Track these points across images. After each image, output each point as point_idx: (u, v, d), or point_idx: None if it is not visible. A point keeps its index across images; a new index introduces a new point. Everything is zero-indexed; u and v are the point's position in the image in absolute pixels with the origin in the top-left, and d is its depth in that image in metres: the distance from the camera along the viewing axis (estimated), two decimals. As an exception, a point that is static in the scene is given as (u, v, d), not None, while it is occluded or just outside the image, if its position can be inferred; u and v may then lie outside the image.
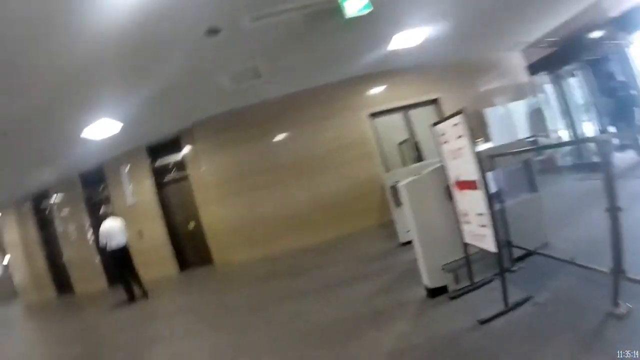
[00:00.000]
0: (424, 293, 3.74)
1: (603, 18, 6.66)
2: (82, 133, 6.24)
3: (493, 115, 8.11)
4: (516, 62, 8.85)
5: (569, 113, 7.71)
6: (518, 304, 3.03)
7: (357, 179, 7.67)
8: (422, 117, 8.10)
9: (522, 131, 8.20)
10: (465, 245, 3.47)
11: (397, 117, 8.08)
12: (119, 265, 6.84)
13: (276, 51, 5.47)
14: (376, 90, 8.03)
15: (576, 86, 7.59)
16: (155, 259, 8.31)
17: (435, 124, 3.47)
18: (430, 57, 7.42)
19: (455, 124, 3.12)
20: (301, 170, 7.71)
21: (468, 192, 3.18)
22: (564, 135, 7.79)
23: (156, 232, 8.42)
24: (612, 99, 6.61)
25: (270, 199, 7.64)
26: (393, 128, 8.03)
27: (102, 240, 6.73)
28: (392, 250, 5.70)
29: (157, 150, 8.76)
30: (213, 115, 7.77)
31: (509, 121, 8.21)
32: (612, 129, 7.22)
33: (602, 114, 7.39)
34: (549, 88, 7.94)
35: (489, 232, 3.02)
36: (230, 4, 3.94)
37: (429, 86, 8.09)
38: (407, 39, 6.12)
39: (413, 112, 8.08)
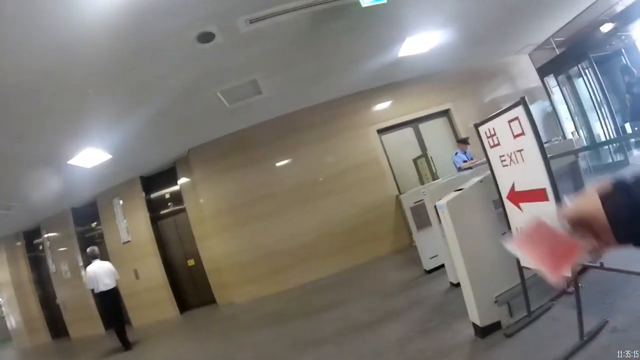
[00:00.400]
0: (471, 332, 3.06)
1: (609, 13, 6.32)
2: (69, 160, 5.64)
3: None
4: (524, 66, 8.35)
5: (583, 114, 7.24)
6: (593, 334, 2.42)
7: (368, 201, 7.00)
8: (433, 131, 7.54)
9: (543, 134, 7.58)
10: (521, 269, 2.81)
11: (407, 132, 7.51)
12: (109, 309, 6.26)
13: (277, 60, 4.90)
14: (384, 104, 7.47)
15: (587, 85, 7.15)
16: (153, 301, 7.52)
17: (480, 123, 2.85)
18: (439, 66, 6.93)
19: (512, 120, 2.50)
20: (307, 196, 7.04)
21: (530, 205, 2.55)
22: (578, 137, 7.24)
23: (153, 271, 7.62)
24: (629, 96, 6.09)
25: (274, 230, 6.93)
26: (404, 144, 7.44)
27: (90, 283, 6.11)
28: (417, 280, 4.98)
29: (152, 181, 8.12)
30: (210, 141, 7.19)
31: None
32: (629, 128, 6.79)
33: (618, 112, 6.94)
34: (560, 90, 7.46)
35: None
36: (224, 3, 3.40)
37: (439, 97, 7.56)
38: (419, 43, 5.62)
39: (423, 126, 7.52)
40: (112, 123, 4.97)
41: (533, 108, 7.71)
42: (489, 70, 8.05)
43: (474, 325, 3.01)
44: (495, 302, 2.91)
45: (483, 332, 2.93)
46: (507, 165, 2.67)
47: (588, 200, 0.67)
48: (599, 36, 6.09)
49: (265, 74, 5.19)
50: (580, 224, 0.68)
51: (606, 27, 6.10)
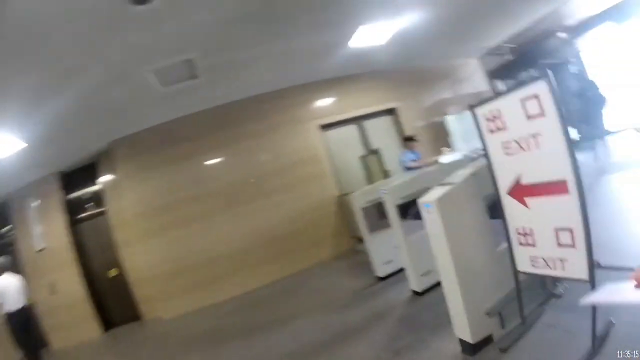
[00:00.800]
0: (455, 349, 2.62)
1: (561, 25, 6.66)
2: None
3: (454, 123, 7.54)
4: (474, 69, 8.50)
5: None
6: (601, 339, 2.10)
7: (308, 203, 6.44)
8: (379, 129, 7.23)
9: None
10: (516, 273, 2.44)
11: (351, 129, 7.10)
12: (19, 332, 5.04)
13: (219, 37, 4.16)
14: (328, 99, 6.96)
15: None
16: (72, 320, 6.07)
17: (479, 104, 2.40)
18: (388, 63, 6.66)
19: (529, 98, 2.05)
20: (241, 197, 6.25)
21: (541, 201, 2.16)
22: None
23: (71, 283, 6.17)
24: (579, 100, 6.38)
25: (206, 235, 6.03)
26: (347, 142, 7.02)
27: None
28: (372, 289, 4.49)
29: (72, 178, 6.66)
30: (136, 132, 6.07)
31: (470, 130, 7.65)
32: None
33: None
34: None
35: (578, 253, 2.00)
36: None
37: (386, 95, 7.28)
38: (373, 33, 5.22)
39: (369, 124, 7.17)
40: (27, 104, 3.89)
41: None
42: (438, 71, 7.99)
43: (462, 341, 2.57)
44: (487, 313, 2.49)
45: (474, 349, 2.49)
46: (512, 154, 2.25)
47: None
48: (549, 45, 6.28)
49: (203, 53, 4.39)
50: None
51: (557, 38, 6.34)
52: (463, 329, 2.51)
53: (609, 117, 6.74)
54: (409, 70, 7.38)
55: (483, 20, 6.10)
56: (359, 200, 4.70)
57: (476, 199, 2.57)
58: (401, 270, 4.47)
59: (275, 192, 6.34)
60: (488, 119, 2.34)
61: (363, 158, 6.46)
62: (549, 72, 1.96)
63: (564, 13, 6.56)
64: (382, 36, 5.39)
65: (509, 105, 2.19)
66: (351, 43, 5.36)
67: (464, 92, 8.19)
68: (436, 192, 2.51)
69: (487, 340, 2.53)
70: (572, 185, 1.98)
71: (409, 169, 5.72)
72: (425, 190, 3.89)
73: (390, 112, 7.36)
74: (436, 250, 2.54)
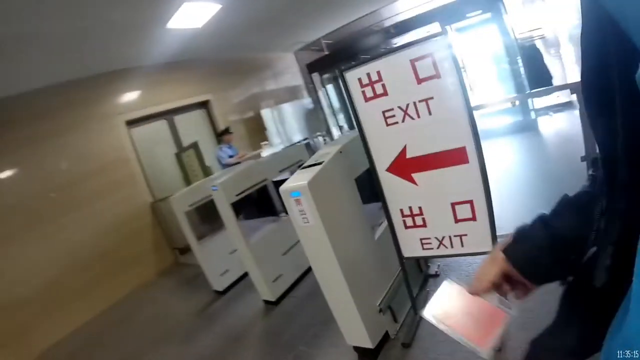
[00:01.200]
0: (352, 357, 2.24)
1: (379, 25, 7.11)
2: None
3: (270, 117, 7.28)
4: (289, 64, 8.37)
5: (346, 113, 7.81)
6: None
7: (119, 214, 5.05)
8: (190, 124, 6.30)
9: (299, 132, 7.77)
10: (402, 259, 2.22)
11: (160, 125, 5.93)
12: None
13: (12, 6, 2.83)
14: (135, 91, 5.61)
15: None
16: None
17: (351, 67, 2.00)
18: (202, 51, 5.87)
19: (420, 58, 1.77)
20: (45, 213, 4.47)
21: (433, 174, 1.94)
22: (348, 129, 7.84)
23: None
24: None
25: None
26: (156, 139, 5.83)
27: None
28: (214, 307, 3.72)
29: None
30: None
31: (286, 123, 7.60)
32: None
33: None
34: (324, 89, 7.82)
35: (479, 226, 1.89)
36: None
37: (198, 87, 6.38)
38: (194, 15, 4.41)
39: (179, 118, 6.14)
40: None
41: (296, 105, 7.92)
42: (253, 64, 7.55)
43: (358, 349, 2.19)
44: (380, 310, 2.19)
45: (374, 353, 2.15)
46: (395, 124, 1.97)
47: (494, 260, 0.67)
48: (367, 44, 6.65)
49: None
50: (498, 284, 0.66)
51: (374, 37, 6.71)
52: (357, 334, 2.14)
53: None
54: (223, 61, 6.71)
55: (303, 14, 6.00)
56: (181, 204, 3.83)
57: (348, 181, 2.22)
58: (242, 279, 3.98)
59: (81, 204, 4.76)
60: (364, 84, 1.99)
61: (179, 155, 5.44)
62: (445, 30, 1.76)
63: (382, 15, 7.17)
64: (200, 18, 4.61)
65: (393, 67, 1.88)
66: (170, 23, 4.40)
67: (279, 87, 8.06)
68: (302, 177, 1.99)
69: (384, 339, 2.23)
70: (472, 152, 1.80)
71: (227, 165, 5.17)
72: (262, 183, 3.48)
73: (203, 105, 6.54)
74: (312, 247, 2.06)
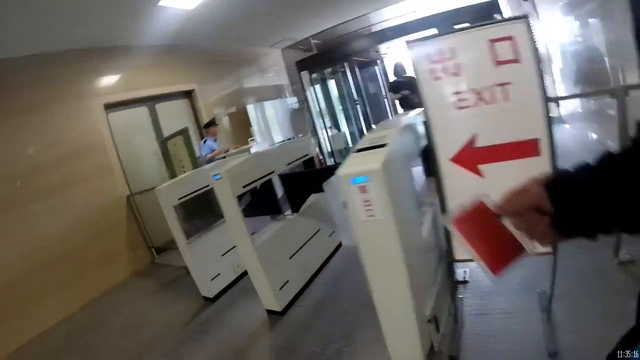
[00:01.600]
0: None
1: (367, 30, 7.17)
2: None
3: (255, 113, 6.92)
4: (276, 60, 8.10)
5: (332, 113, 7.70)
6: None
7: (93, 207, 4.48)
8: (172, 113, 5.82)
9: (283, 131, 7.47)
10: (452, 266, 1.99)
11: (141, 112, 5.41)
12: None
13: None
14: (116, 72, 5.04)
15: (342, 85, 7.58)
16: None
17: (420, 39, 1.76)
18: (190, 37, 5.46)
19: (501, 39, 1.61)
20: (3, 202, 3.82)
21: (501, 166, 1.73)
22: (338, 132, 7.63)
23: None
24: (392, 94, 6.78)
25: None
26: (135, 127, 5.33)
27: None
28: (205, 315, 3.25)
29: None
30: None
31: (269, 121, 7.27)
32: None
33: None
34: (311, 88, 7.61)
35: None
36: None
37: (184, 75, 5.91)
38: None
39: (161, 106, 5.64)
40: None
41: (282, 103, 7.62)
42: (240, 57, 7.20)
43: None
44: (429, 320, 1.92)
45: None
46: (466, 107, 1.75)
47: (528, 189, 0.62)
48: (355, 46, 6.58)
49: None
50: (520, 216, 0.62)
51: (362, 41, 6.64)
52: (408, 349, 1.85)
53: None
54: (211, 51, 6.36)
55: (295, 9, 5.82)
56: (169, 197, 3.35)
57: (407, 168, 1.96)
58: (234, 284, 3.59)
59: (52, 193, 4.17)
60: (433, 61, 1.76)
61: (164, 142, 4.91)
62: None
63: (371, 20, 7.12)
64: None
65: (469, 45, 1.70)
66: (163, 1, 4.04)
67: (264, 83, 7.76)
68: (366, 160, 1.69)
69: (430, 353, 1.96)
70: (544, 144, 1.66)
71: (210, 160, 4.84)
72: (269, 175, 3.13)
73: (187, 95, 6.07)
74: (375, 247, 1.72)
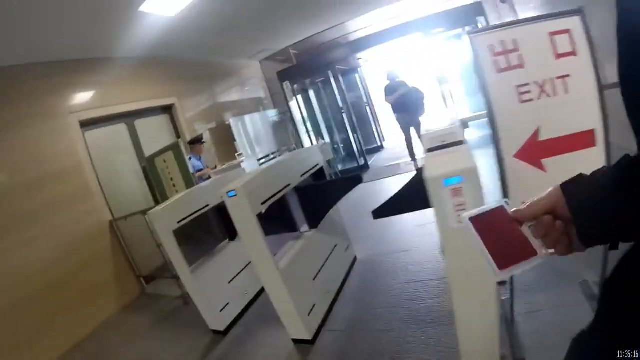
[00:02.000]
0: None
1: (345, 38, 7.14)
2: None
3: (238, 126, 6.63)
4: (255, 72, 7.89)
5: (315, 125, 7.59)
6: None
7: (74, 235, 4.02)
8: (152, 130, 5.45)
9: (267, 144, 7.23)
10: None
11: (119, 130, 5.00)
12: None
13: None
14: (92, 86, 4.63)
15: (325, 96, 7.65)
16: None
17: (484, 30, 1.66)
18: (170, 48, 5.21)
19: (559, 32, 1.62)
20: None
21: (560, 160, 1.69)
22: (324, 141, 7.46)
23: None
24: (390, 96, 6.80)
25: None
26: (113, 146, 4.92)
27: None
28: (220, 351, 2.89)
29: None
30: None
31: (254, 134, 6.99)
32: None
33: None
34: (294, 100, 7.49)
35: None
36: None
37: (163, 88, 5.58)
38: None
39: (140, 123, 5.25)
40: None
41: (264, 116, 7.40)
42: (220, 69, 6.95)
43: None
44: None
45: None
46: (529, 101, 1.67)
47: (548, 195, 0.63)
48: (337, 54, 6.49)
49: None
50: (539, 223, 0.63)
51: (341, 50, 6.64)
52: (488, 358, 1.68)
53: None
54: (191, 64, 6.08)
55: (275, 18, 5.70)
56: (167, 221, 2.95)
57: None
58: (244, 313, 3.28)
59: (25, 223, 3.67)
60: (497, 53, 1.66)
61: (150, 160, 4.47)
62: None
63: (348, 29, 7.09)
64: (176, 3, 4.06)
65: (531, 37, 1.67)
66: (144, 6, 3.77)
67: (245, 96, 7.55)
68: (450, 159, 1.54)
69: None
70: (600, 135, 1.65)
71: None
72: (285, 189, 2.89)
73: (167, 110, 5.71)
74: (466, 257, 1.47)
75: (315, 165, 3.38)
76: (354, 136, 7.59)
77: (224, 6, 4.48)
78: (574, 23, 1.61)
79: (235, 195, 2.39)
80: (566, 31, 1.62)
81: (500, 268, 0.62)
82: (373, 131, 9.73)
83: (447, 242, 1.55)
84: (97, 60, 4.56)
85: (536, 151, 1.71)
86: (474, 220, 0.67)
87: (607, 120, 1.64)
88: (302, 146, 7.03)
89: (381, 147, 9.63)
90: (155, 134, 5.43)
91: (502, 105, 1.71)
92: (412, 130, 6.42)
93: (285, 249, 2.85)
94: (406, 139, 6.54)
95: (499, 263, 0.63)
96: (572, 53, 1.62)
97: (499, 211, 0.67)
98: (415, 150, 6.71)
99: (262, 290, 3.25)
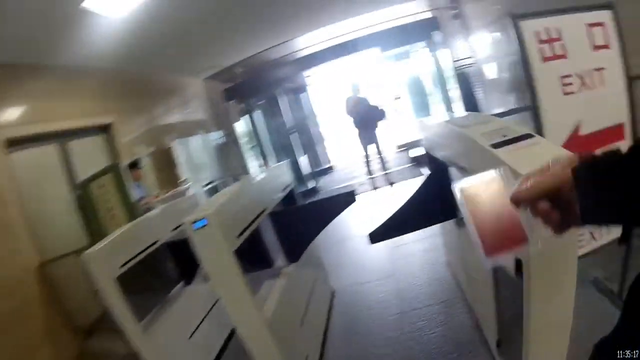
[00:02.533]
0: None
1: (292, 56, 6.95)
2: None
3: (181, 150, 6.05)
4: (198, 92, 7.40)
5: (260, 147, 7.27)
6: None
7: None
8: (88, 153, 4.70)
9: (212, 169, 6.75)
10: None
11: (49, 152, 4.22)
12: None
13: None
14: (18, 98, 3.84)
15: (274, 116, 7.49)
16: None
17: (529, 15, 1.52)
18: (107, 58, 4.60)
19: (595, 24, 1.59)
20: None
21: None
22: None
23: None
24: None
25: None
26: (43, 171, 4.16)
27: None
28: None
29: None
30: None
31: (197, 158, 6.47)
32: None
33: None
34: (240, 121, 7.17)
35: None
36: None
37: (100, 105, 4.87)
38: None
39: (75, 144, 4.48)
40: None
41: (208, 138, 6.94)
42: (161, 85, 6.44)
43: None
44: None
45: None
46: (571, 93, 1.57)
47: (553, 172, 0.58)
48: (283, 73, 6.49)
49: None
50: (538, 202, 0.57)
51: (290, 67, 6.58)
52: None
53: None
54: (130, 79, 5.49)
55: (229, 31, 5.56)
56: (107, 265, 2.24)
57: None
58: None
59: None
60: (542, 40, 1.55)
61: (85, 186, 3.74)
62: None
63: (296, 46, 6.93)
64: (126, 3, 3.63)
65: (572, 27, 1.64)
66: (87, 2, 3.28)
67: (187, 117, 7.03)
68: (539, 150, 1.17)
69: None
70: (628, 128, 1.69)
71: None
72: (261, 215, 2.48)
73: (104, 129, 5.01)
74: (552, 268, 1.23)
75: (287, 186, 3.04)
76: (303, 158, 7.45)
77: (177, 10, 4.12)
78: (606, 17, 1.62)
79: (204, 226, 1.84)
80: (601, 24, 1.62)
81: (487, 253, 0.59)
82: (323, 152, 9.68)
83: (532, 255, 1.16)
84: (26, 67, 3.83)
85: (579, 145, 1.68)
86: (468, 193, 0.62)
87: (635, 113, 1.68)
88: (247, 171, 6.71)
89: (330, 169, 9.58)
90: (90, 158, 4.70)
91: (547, 96, 1.63)
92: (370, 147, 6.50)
93: (262, 292, 2.38)
94: (365, 155, 6.64)
95: (488, 249, 0.59)
96: (606, 46, 1.63)
97: (495, 184, 0.62)
98: (372, 168, 6.82)
99: (229, 339, 2.87)
